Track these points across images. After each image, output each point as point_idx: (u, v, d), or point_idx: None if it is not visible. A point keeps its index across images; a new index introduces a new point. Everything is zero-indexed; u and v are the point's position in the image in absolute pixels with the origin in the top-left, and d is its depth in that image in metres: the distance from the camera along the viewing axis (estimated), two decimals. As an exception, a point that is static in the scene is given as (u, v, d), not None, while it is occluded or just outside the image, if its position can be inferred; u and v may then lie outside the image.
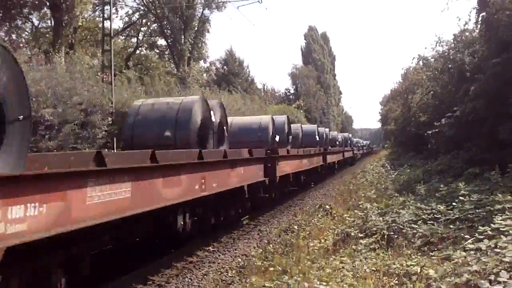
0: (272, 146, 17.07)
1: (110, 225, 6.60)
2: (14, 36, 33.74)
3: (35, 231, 4.83)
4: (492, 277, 5.31)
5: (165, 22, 44.24)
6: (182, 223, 9.49)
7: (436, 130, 20.75)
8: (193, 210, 10.25)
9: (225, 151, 11.33)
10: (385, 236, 9.02)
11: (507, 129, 14.29)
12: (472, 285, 5.30)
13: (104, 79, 23.30)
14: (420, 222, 9.80)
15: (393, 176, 22.32)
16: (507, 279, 5.13)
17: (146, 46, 48.55)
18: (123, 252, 9.43)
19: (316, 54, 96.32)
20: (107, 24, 25.73)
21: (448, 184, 14.01)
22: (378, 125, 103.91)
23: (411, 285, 6.01)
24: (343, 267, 7.28)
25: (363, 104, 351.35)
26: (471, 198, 10.35)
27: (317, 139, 29.17)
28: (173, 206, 8.49)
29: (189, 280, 8.56)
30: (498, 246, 6.37)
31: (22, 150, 5.48)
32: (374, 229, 9.70)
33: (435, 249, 7.93)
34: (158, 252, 9.78)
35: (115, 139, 20.40)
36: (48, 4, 30.52)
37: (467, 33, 21.99)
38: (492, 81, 15.50)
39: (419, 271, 6.27)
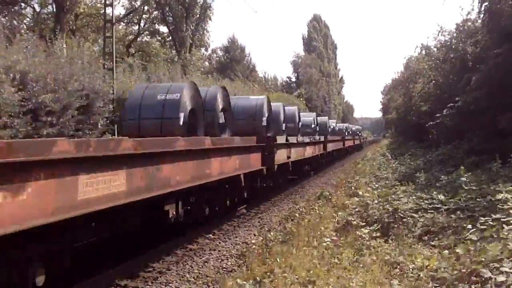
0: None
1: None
2: (15, 22, 33.61)
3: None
4: (494, 266, 5.32)
5: (166, 9, 44.05)
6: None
7: (438, 121, 20.77)
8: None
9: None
10: (386, 225, 9.05)
11: (508, 118, 14.30)
12: (474, 274, 5.31)
13: (105, 66, 23.24)
14: (420, 211, 9.82)
15: (394, 165, 22.34)
16: (510, 268, 5.13)
17: (148, 33, 48.36)
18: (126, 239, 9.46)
19: (317, 42, 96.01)
20: (108, 10, 25.58)
21: (449, 173, 14.04)
22: (379, 114, 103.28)
23: (412, 275, 6.02)
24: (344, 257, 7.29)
25: (364, 93, 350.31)
26: (472, 188, 10.37)
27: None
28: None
29: (190, 267, 8.58)
30: (499, 236, 6.38)
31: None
32: (375, 217, 9.73)
33: (436, 238, 7.95)
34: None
35: (116, 126, 20.38)
36: (49, -11, 30.45)
37: (469, 23, 21.95)
38: (494, 71, 15.50)
39: (420, 260, 6.28)
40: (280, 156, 16.02)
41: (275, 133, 16.67)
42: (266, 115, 15.91)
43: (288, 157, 17.56)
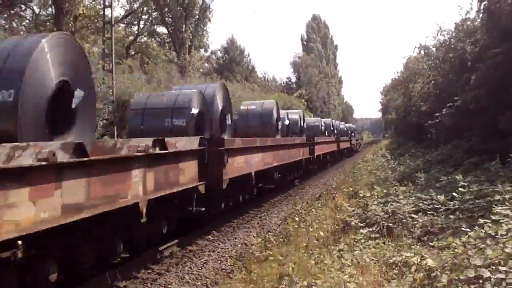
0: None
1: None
2: (14, 24, 33.61)
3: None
4: (493, 267, 5.31)
5: (166, 10, 44.06)
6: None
7: (437, 121, 20.75)
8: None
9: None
10: (385, 226, 9.02)
11: (508, 118, 14.27)
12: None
13: (104, 67, 23.21)
14: (420, 212, 9.79)
15: (393, 165, 22.31)
16: (509, 268, 5.12)
17: (147, 34, 48.34)
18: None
19: (317, 43, 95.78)
20: (108, 11, 25.57)
21: (448, 174, 14.01)
22: (379, 115, 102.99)
23: (411, 275, 6.00)
24: (343, 257, 7.27)
25: (364, 93, 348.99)
26: (471, 189, 10.34)
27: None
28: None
29: (189, 269, 8.57)
30: (498, 236, 6.37)
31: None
32: (374, 218, 9.69)
33: (435, 239, 7.93)
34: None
35: (115, 127, 20.37)
36: (48, -9, 30.48)
37: (468, 22, 21.95)
38: (493, 70, 15.48)
39: (419, 261, 6.26)
40: None
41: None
42: None
43: None
